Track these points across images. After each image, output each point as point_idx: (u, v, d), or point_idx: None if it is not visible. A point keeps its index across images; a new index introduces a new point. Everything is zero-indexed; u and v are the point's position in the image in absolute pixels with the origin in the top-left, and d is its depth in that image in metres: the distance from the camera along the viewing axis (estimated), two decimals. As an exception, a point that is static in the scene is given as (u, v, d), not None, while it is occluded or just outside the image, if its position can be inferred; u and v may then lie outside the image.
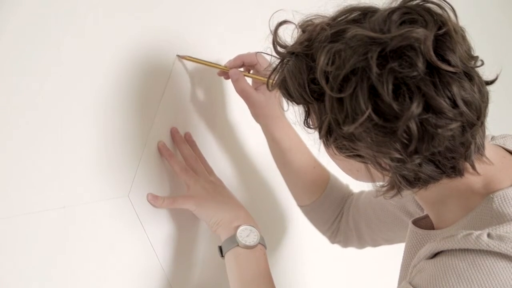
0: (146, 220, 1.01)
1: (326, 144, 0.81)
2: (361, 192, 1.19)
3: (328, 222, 1.19)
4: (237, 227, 0.98)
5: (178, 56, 1.07)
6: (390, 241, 1.16)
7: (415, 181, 0.78)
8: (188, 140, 1.08)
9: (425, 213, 0.92)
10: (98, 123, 0.93)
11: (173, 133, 1.06)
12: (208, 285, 1.16)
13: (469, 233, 0.76)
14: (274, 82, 0.83)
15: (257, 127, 1.14)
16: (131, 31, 0.99)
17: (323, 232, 1.21)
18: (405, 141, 0.73)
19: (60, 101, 0.88)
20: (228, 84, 1.14)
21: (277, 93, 0.99)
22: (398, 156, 0.75)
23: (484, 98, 0.76)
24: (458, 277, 0.75)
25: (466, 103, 0.73)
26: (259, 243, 0.98)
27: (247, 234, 0.97)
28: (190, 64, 1.09)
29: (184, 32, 1.09)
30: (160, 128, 1.04)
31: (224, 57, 1.11)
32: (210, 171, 1.08)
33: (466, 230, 0.77)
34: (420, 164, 0.76)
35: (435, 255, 0.80)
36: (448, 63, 0.73)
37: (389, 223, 1.12)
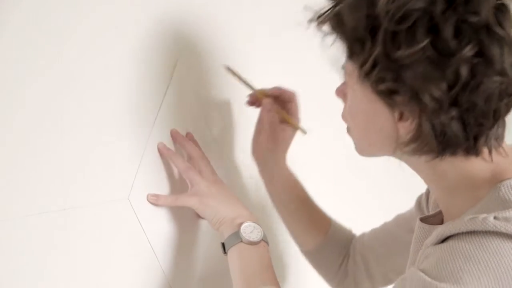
0: (146, 223, 1.00)
1: (366, 80, 0.82)
2: (363, 234, 1.21)
3: (335, 265, 1.20)
4: (241, 224, 0.98)
5: (227, 66, 1.09)
6: (401, 272, 1.16)
7: (439, 139, 0.81)
8: (190, 140, 1.08)
9: (431, 213, 0.95)
10: (98, 124, 0.93)
11: (174, 134, 1.06)
12: (207, 286, 1.16)
13: (475, 216, 0.78)
14: (325, 15, 0.85)
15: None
16: (133, 32, 0.99)
17: (331, 278, 1.21)
18: (451, 81, 0.77)
19: (59, 102, 0.88)
20: (229, 87, 1.14)
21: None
22: (439, 96, 0.77)
23: None
24: (465, 258, 0.76)
25: (511, 67, 0.78)
26: (262, 240, 0.99)
27: (250, 231, 0.98)
28: (191, 66, 1.09)
29: (188, 34, 1.09)
30: (161, 130, 1.04)
31: (229, 57, 1.10)
32: (212, 171, 1.07)
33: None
34: (452, 119, 0.79)
35: (442, 241, 0.81)
36: (503, 27, 0.78)
37: (398, 249, 1.13)
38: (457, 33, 0.76)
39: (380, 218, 1.22)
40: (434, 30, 0.76)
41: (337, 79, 0.93)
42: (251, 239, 0.97)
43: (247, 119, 1.25)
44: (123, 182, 0.97)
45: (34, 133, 0.85)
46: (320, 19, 0.87)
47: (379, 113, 0.85)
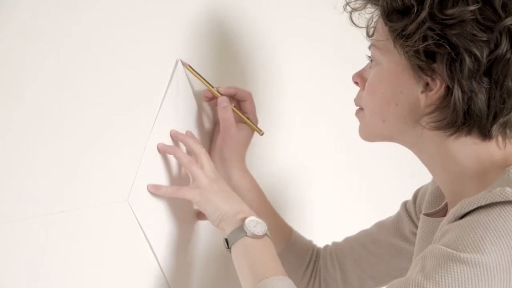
0: (146, 225, 1.00)
1: (403, 45, 0.87)
2: (336, 242, 1.21)
3: (298, 272, 1.20)
4: (244, 218, 0.98)
5: (181, 61, 1.07)
6: (378, 279, 1.18)
7: (464, 110, 0.85)
8: (191, 137, 1.08)
9: (434, 209, 0.99)
10: (97, 126, 0.92)
11: (174, 134, 1.05)
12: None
13: (492, 189, 0.81)
14: None
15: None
16: (132, 32, 0.98)
17: (297, 283, 1.21)
18: (492, 47, 0.83)
19: (58, 103, 0.87)
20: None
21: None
22: (479, 58, 0.82)
23: None
24: (485, 228, 0.78)
25: None
26: (266, 234, 0.98)
27: (254, 225, 0.98)
28: (192, 66, 1.08)
29: (187, 35, 1.08)
30: (160, 131, 1.03)
31: (225, 60, 1.10)
32: (213, 167, 1.07)
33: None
34: (481, 88, 0.84)
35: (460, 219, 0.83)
36: None
37: (382, 254, 1.15)
38: (504, 5, 0.83)
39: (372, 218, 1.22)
40: (484, 0, 0.84)
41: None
42: (255, 233, 0.97)
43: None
44: (122, 184, 0.97)
45: (33, 134, 0.84)
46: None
47: (404, 84, 0.89)
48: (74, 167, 0.89)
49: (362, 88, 0.97)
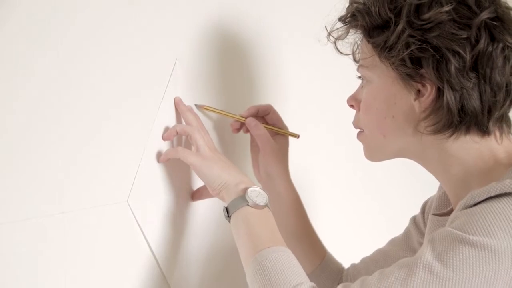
0: (146, 226, 0.99)
1: (388, 58, 0.89)
2: (355, 264, 1.21)
3: None
4: (245, 188, 0.98)
5: (196, 105, 1.09)
6: None
7: (458, 108, 0.87)
8: (192, 112, 1.07)
9: (442, 211, 1.00)
10: (96, 126, 0.92)
11: (178, 101, 1.05)
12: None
13: (500, 181, 0.82)
14: (347, 13, 0.95)
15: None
16: (131, 33, 0.98)
17: None
18: (474, 41, 0.85)
19: (57, 104, 0.87)
20: (228, 86, 1.14)
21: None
22: (463, 55, 0.85)
23: None
24: (496, 215, 0.79)
25: None
26: (267, 206, 0.98)
27: (256, 195, 0.97)
28: (190, 68, 1.08)
29: (186, 33, 1.08)
30: (159, 131, 1.03)
31: (224, 59, 1.10)
32: (212, 141, 1.07)
33: None
34: (471, 84, 0.86)
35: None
36: None
37: None
38: (477, 1, 0.87)
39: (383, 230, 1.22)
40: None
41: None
42: (257, 203, 0.97)
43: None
44: (122, 185, 0.96)
45: (32, 135, 0.84)
46: (342, 17, 0.96)
47: (396, 95, 0.91)
48: (74, 169, 0.89)
49: (358, 109, 0.99)
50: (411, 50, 0.87)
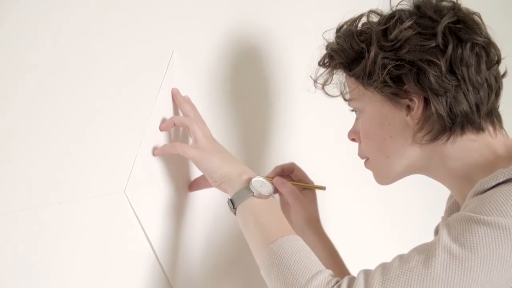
0: (143, 216, 0.99)
1: (371, 84, 0.95)
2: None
3: None
4: (249, 179, 0.98)
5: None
6: None
7: (447, 112, 0.91)
8: (189, 103, 1.07)
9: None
10: (94, 117, 0.92)
11: (175, 92, 1.06)
12: (207, 281, 1.16)
13: (508, 167, 0.86)
14: (325, 55, 1.02)
15: (256, 125, 1.13)
16: (128, 24, 0.98)
17: None
18: (443, 46, 0.90)
19: (54, 94, 0.87)
20: (224, 77, 1.13)
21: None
22: (437, 61, 0.89)
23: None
24: (507, 196, 0.83)
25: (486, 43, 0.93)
26: (271, 195, 0.99)
27: (260, 185, 0.98)
28: (187, 58, 1.08)
29: (183, 24, 1.08)
30: (157, 121, 1.03)
31: (222, 52, 1.09)
32: (209, 132, 1.06)
33: None
34: (452, 87, 0.90)
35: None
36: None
37: None
38: (437, 11, 0.93)
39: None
40: (416, 13, 0.94)
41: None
42: (262, 193, 0.97)
43: (242, 113, 1.25)
44: (119, 175, 0.96)
45: (29, 126, 0.84)
46: (321, 61, 1.02)
47: (388, 116, 0.96)
48: (71, 158, 0.89)
49: (359, 140, 1.03)
50: (389, 70, 0.92)
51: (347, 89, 1.03)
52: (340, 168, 1.46)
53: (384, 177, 1.03)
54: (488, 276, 0.81)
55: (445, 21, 0.91)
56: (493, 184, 0.86)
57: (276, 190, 1.15)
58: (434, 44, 0.91)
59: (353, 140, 1.05)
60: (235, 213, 0.99)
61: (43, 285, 0.86)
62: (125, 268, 0.98)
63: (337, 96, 1.04)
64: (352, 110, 1.04)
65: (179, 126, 1.06)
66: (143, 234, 1.01)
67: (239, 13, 1.21)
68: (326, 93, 1.05)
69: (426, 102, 0.92)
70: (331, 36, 1.02)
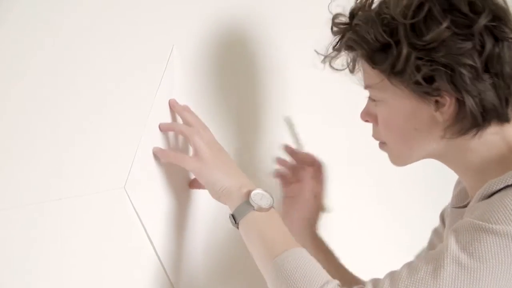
0: (142, 212, 0.99)
1: (400, 81, 0.91)
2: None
3: None
4: (248, 192, 0.97)
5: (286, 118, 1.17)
6: None
7: (480, 109, 0.89)
8: (188, 111, 1.07)
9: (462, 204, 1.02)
10: (93, 112, 0.92)
11: (173, 103, 1.05)
12: (208, 278, 1.16)
13: None
14: (341, 42, 0.96)
15: (254, 123, 1.13)
16: (128, 19, 0.97)
17: None
18: (479, 47, 0.87)
19: (54, 90, 0.87)
20: (224, 73, 1.13)
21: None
22: (473, 63, 0.87)
23: None
24: None
25: None
26: (272, 206, 0.98)
27: (260, 198, 0.97)
28: (187, 55, 1.08)
29: (183, 19, 1.08)
30: (156, 118, 1.03)
31: (222, 47, 1.09)
32: (214, 138, 1.06)
33: None
34: (486, 85, 0.88)
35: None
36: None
37: None
38: (471, 6, 0.88)
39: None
40: (450, 10, 0.88)
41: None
42: (262, 206, 0.96)
43: (241, 110, 1.25)
44: (119, 171, 0.96)
45: (29, 121, 0.84)
46: (337, 46, 0.97)
47: (415, 109, 0.93)
48: (70, 154, 0.89)
49: (375, 123, 1.01)
50: (423, 72, 0.88)
51: (364, 74, 0.98)
52: (338, 163, 1.46)
53: (401, 161, 1.01)
54: (497, 285, 0.80)
55: (482, 21, 0.87)
56: (502, 186, 0.85)
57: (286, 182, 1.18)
58: (471, 46, 0.87)
59: (367, 121, 1.03)
60: (237, 227, 0.98)
61: (42, 281, 0.86)
62: (125, 264, 0.98)
63: (343, 69, 1.00)
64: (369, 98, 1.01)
65: (179, 135, 1.06)
66: (143, 231, 1.00)
67: (240, 8, 1.20)
68: (333, 68, 1.01)
69: (459, 101, 0.90)
70: (336, 9, 0.97)
